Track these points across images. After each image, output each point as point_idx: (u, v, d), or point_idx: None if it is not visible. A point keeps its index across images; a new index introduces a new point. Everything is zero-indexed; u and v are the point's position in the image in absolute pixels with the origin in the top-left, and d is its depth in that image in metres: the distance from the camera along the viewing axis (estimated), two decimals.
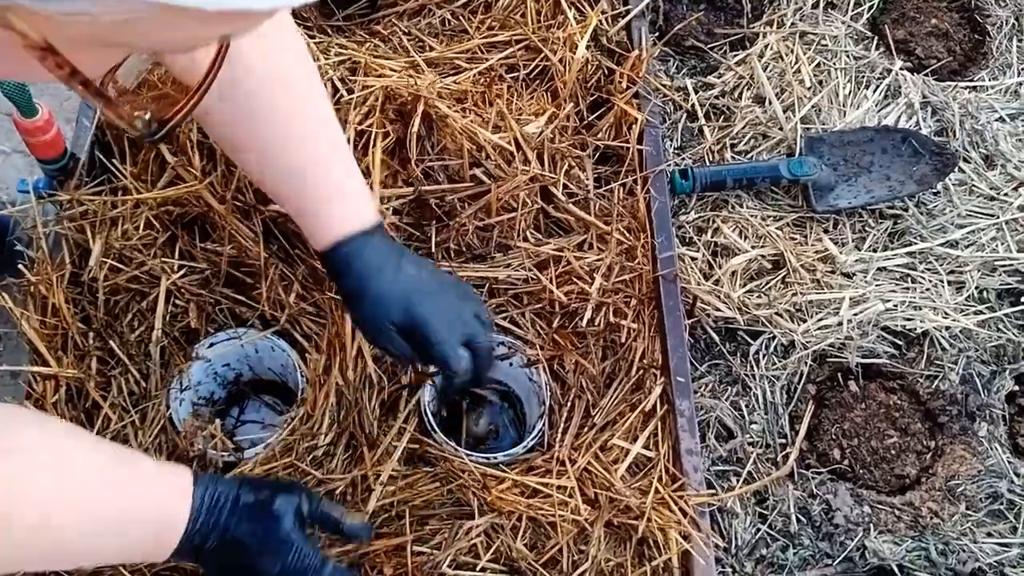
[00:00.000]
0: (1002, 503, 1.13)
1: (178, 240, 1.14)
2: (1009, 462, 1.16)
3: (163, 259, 1.10)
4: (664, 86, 1.37)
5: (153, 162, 1.17)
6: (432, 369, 1.09)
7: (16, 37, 0.34)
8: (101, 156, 1.20)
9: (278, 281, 1.10)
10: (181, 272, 1.10)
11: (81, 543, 0.75)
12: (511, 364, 1.20)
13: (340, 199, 0.93)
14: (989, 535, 1.11)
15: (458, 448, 1.09)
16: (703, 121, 1.37)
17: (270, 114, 0.90)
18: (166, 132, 0.45)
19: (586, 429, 1.12)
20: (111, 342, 1.08)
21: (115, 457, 0.80)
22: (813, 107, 1.38)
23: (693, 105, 1.38)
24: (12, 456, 0.69)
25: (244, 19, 0.40)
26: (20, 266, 1.12)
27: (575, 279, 1.18)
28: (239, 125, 0.91)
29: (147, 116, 0.44)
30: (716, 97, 1.39)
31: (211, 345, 1.11)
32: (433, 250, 1.18)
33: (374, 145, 1.14)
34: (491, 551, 1.00)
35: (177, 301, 1.10)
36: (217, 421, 1.06)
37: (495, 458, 1.09)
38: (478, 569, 0.99)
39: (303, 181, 0.93)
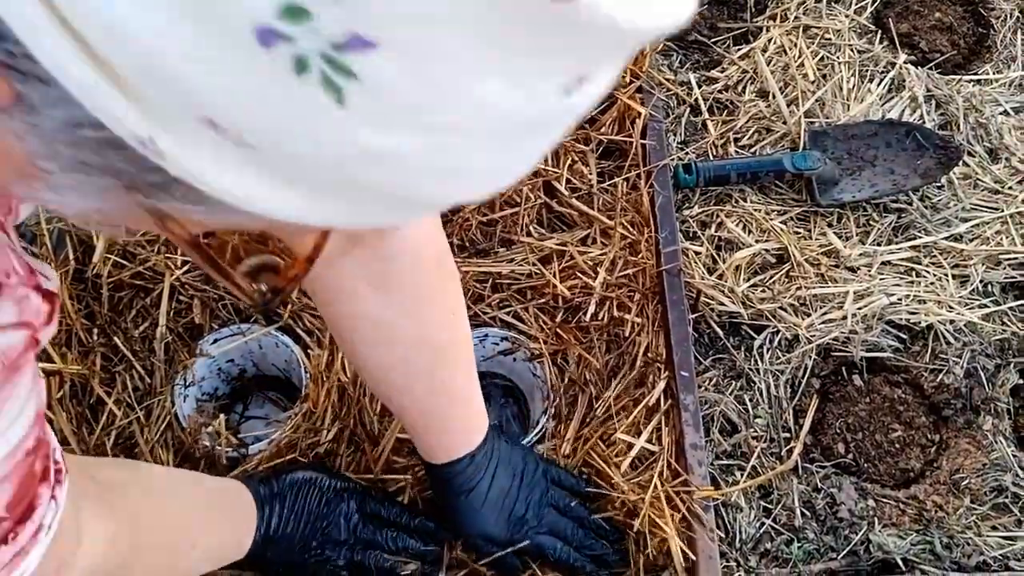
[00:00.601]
0: (1007, 496, 1.13)
1: None
2: (1014, 455, 1.16)
3: (167, 255, 1.10)
4: (667, 80, 1.36)
5: None
6: None
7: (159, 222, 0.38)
8: None
9: None
10: (184, 268, 1.10)
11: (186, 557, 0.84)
12: (514, 359, 1.20)
13: (455, 429, 0.95)
14: (994, 528, 1.11)
15: None
16: (706, 115, 1.37)
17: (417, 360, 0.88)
18: (279, 300, 0.48)
19: (589, 424, 1.12)
20: (115, 338, 1.08)
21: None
22: (817, 101, 1.37)
23: (696, 99, 1.38)
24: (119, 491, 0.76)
25: None
26: None
27: (578, 274, 1.18)
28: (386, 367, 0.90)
29: (264, 288, 0.47)
30: (719, 91, 1.39)
31: (215, 341, 1.11)
32: None
33: None
34: None
35: (181, 297, 1.11)
36: (221, 417, 1.06)
37: None
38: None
39: (426, 414, 0.93)
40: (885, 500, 1.12)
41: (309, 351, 1.09)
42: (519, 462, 1.00)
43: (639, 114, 1.26)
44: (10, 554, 0.54)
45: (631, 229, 1.21)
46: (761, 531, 1.07)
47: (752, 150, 1.34)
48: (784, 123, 1.35)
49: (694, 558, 0.97)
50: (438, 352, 0.89)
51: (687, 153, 1.33)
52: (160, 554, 0.79)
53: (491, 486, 0.96)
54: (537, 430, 1.12)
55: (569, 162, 1.23)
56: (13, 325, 0.46)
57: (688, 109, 1.38)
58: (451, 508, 0.97)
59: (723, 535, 1.05)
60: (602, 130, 1.27)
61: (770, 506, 1.09)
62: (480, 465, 0.95)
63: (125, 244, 1.10)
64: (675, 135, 1.34)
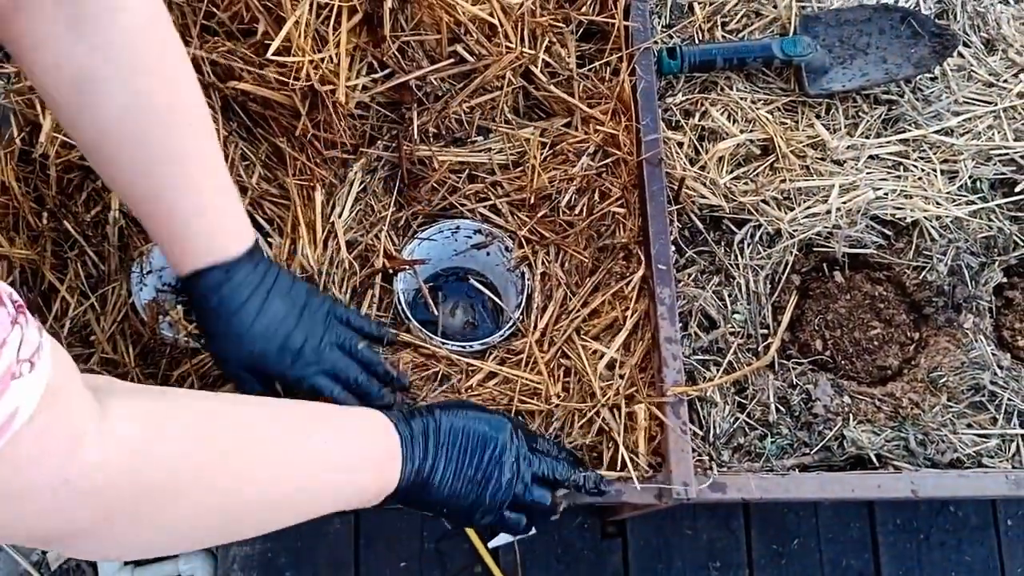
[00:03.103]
0: (984, 395, 1.12)
1: None
2: (993, 354, 1.14)
3: None
4: None
5: None
6: (413, 256, 1.07)
7: None
8: None
9: (239, 161, 1.04)
10: None
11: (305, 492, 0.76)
12: (488, 253, 1.16)
13: (199, 226, 0.83)
14: (969, 426, 1.10)
15: (433, 336, 1.06)
16: None
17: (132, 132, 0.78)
18: None
19: (564, 317, 1.09)
20: (65, 222, 1.02)
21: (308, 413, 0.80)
22: None
23: None
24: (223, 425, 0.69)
25: None
26: None
27: (556, 165, 1.13)
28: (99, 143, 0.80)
29: None
30: None
31: None
32: (415, 135, 1.12)
33: (338, 22, 1.05)
34: None
35: None
36: (179, 307, 1.01)
37: (471, 346, 1.07)
38: None
39: (158, 206, 0.82)
40: (861, 397, 1.11)
41: (270, 240, 1.04)
42: (301, 295, 0.91)
43: None
44: None
45: (611, 120, 1.15)
46: (735, 426, 1.06)
47: (740, 35, 1.27)
48: (774, 7, 1.28)
49: (679, 450, 0.95)
50: (159, 118, 0.78)
51: (672, 37, 1.26)
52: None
53: (261, 310, 0.86)
54: (510, 324, 1.09)
55: (546, 43, 1.15)
56: None
57: None
58: (210, 333, 0.86)
59: (697, 430, 1.04)
60: (583, 9, 1.19)
61: (745, 402, 1.07)
62: (245, 283, 0.85)
63: None
64: (660, 17, 1.27)
